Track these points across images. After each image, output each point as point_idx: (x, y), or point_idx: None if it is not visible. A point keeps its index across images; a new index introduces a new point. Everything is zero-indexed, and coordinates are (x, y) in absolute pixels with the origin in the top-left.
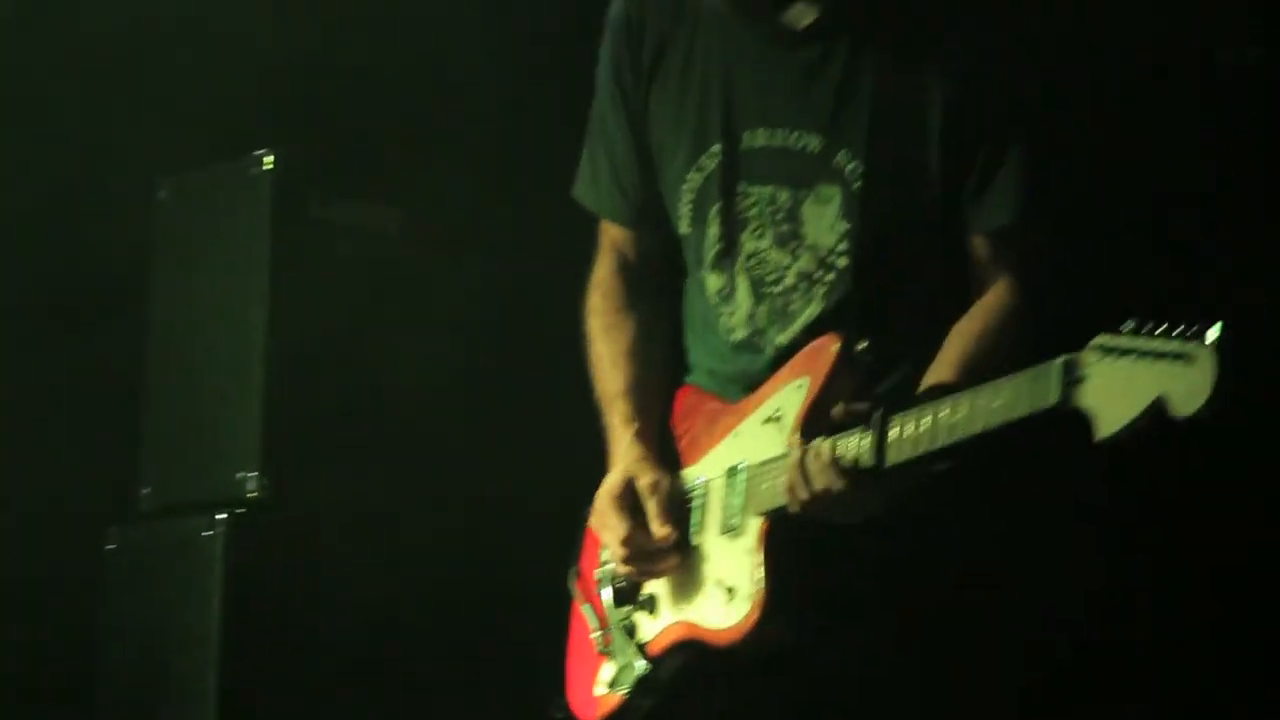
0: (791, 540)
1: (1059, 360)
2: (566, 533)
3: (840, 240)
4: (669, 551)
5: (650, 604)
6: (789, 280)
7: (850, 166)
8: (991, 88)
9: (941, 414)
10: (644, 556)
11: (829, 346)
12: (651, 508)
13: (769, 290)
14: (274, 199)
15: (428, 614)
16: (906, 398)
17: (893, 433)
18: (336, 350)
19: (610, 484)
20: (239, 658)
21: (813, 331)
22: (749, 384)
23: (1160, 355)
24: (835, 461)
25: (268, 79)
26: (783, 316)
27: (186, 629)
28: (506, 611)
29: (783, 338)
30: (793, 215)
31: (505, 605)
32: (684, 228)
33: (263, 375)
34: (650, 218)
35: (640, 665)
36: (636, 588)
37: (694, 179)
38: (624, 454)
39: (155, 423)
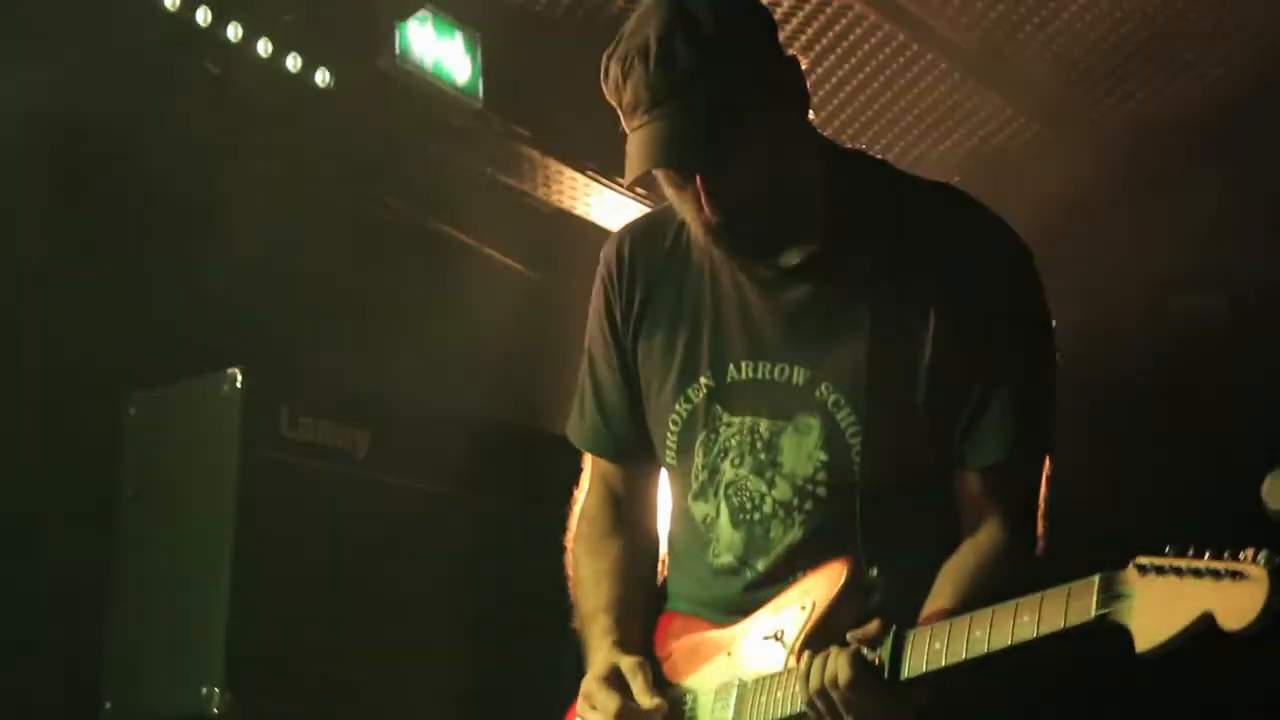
0: None
1: (1097, 577)
2: None
3: (819, 470)
4: None
5: None
6: (767, 508)
7: (833, 399)
8: (980, 331)
9: (962, 628)
10: None
11: (837, 570)
12: (638, 684)
13: (748, 517)
14: (243, 417)
15: None
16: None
17: (911, 646)
18: (302, 568)
19: (595, 670)
20: None
21: (792, 557)
22: (729, 608)
23: (1209, 572)
24: (855, 676)
25: (238, 297)
26: (763, 543)
27: None
28: None
29: (762, 564)
30: (771, 444)
31: None
32: (670, 459)
33: (228, 591)
34: (635, 453)
35: None
36: None
37: (681, 411)
38: (605, 653)
39: (119, 636)
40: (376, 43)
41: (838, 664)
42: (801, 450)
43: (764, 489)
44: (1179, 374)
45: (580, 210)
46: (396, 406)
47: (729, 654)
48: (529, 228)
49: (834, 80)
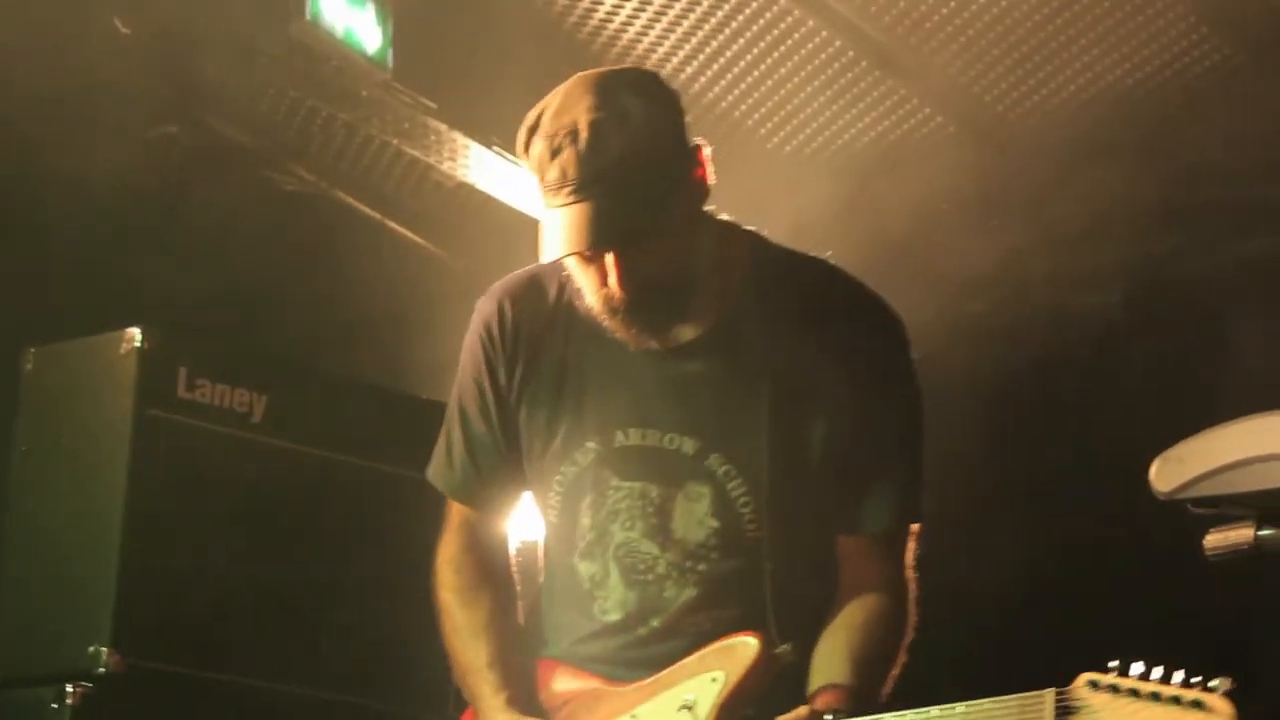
0: None
1: (1051, 691)
2: None
3: (710, 535)
4: None
5: None
6: (660, 569)
7: (724, 469)
8: (868, 405)
9: None
10: None
11: (747, 646)
12: None
13: (641, 578)
14: (139, 376)
15: None
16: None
17: None
18: (193, 529)
19: None
20: None
21: (685, 613)
22: (620, 662)
23: (1173, 699)
24: None
25: (142, 255)
26: (658, 601)
27: None
28: None
29: (657, 620)
30: (662, 510)
31: None
32: (553, 517)
33: (118, 550)
34: (503, 503)
35: None
36: None
37: (567, 472)
38: (500, 716)
39: (6, 591)
40: (288, 7)
41: None
42: (692, 517)
43: (656, 551)
44: (1075, 369)
45: (484, 185)
46: (295, 372)
47: (634, 716)
48: (432, 201)
49: (741, 64)
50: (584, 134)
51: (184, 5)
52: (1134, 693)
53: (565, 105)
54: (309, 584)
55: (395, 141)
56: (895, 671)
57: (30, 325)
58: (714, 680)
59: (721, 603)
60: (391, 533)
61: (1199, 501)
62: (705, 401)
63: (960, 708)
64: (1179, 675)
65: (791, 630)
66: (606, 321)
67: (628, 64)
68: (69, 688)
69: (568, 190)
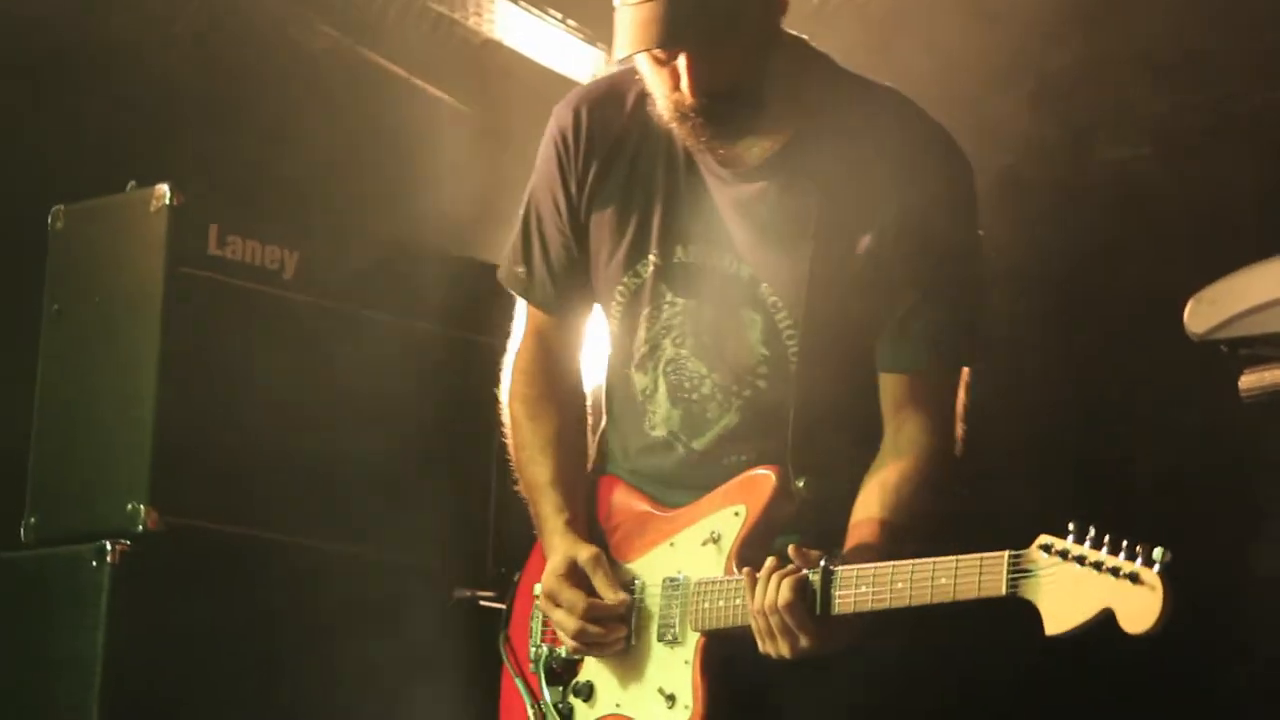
0: (728, 657)
1: (1005, 554)
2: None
3: (760, 363)
4: (621, 622)
5: (587, 691)
6: (705, 389)
7: (773, 300)
8: (920, 241)
9: (886, 577)
10: (597, 629)
11: (766, 479)
12: (600, 579)
13: (686, 396)
14: (170, 233)
15: (313, 649)
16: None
17: (838, 586)
18: (226, 386)
19: (555, 565)
20: (121, 687)
21: (726, 439)
22: (667, 480)
23: (1112, 570)
24: (793, 600)
25: (172, 113)
26: (700, 422)
27: (70, 658)
28: (395, 644)
29: (699, 443)
30: (715, 330)
31: (395, 637)
32: (614, 326)
33: (153, 408)
34: (575, 309)
35: None
36: (571, 671)
37: (629, 283)
38: (560, 541)
39: (44, 452)
40: None
41: (780, 587)
42: (744, 342)
43: (704, 370)
44: (1102, 218)
45: (510, 41)
46: (326, 229)
47: (672, 544)
48: (459, 57)
49: None
50: None
51: None
52: (1079, 560)
53: None
54: (341, 441)
55: None
56: (931, 509)
57: (59, 183)
58: (736, 514)
59: (761, 433)
60: (423, 389)
61: (1233, 342)
62: (760, 226)
63: (928, 563)
64: (1125, 546)
65: (810, 467)
66: (676, 127)
67: None
68: (109, 545)
69: None
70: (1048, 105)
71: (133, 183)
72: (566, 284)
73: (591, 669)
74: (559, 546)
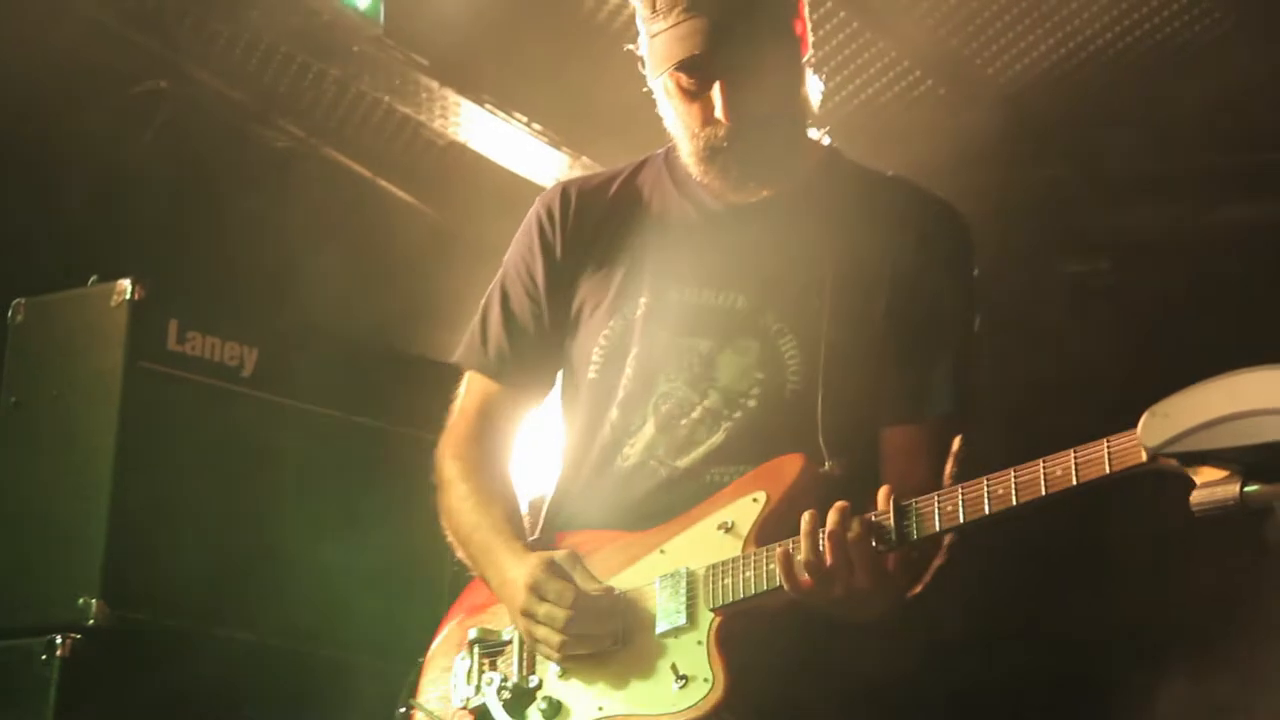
0: (744, 633)
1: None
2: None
3: (753, 386)
4: (611, 616)
5: (554, 708)
6: (695, 415)
7: (776, 327)
8: (940, 298)
9: (977, 489)
10: (591, 621)
11: (792, 462)
12: (581, 573)
13: (674, 423)
14: (130, 328)
15: None
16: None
17: (916, 512)
18: (182, 482)
19: (534, 566)
20: None
21: (710, 459)
22: (640, 511)
23: None
24: (866, 532)
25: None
26: (686, 443)
27: None
28: None
29: (682, 460)
30: (709, 361)
31: None
32: (593, 373)
33: (108, 502)
34: (525, 383)
35: None
36: (527, 698)
37: (615, 326)
38: (522, 556)
39: None
40: None
41: (846, 520)
42: (738, 367)
43: (696, 399)
44: (1063, 336)
45: (475, 144)
46: (285, 327)
47: (662, 551)
48: (423, 159)
49: None
50: None
51: None
52: None
53: None
54: (296, 539)
55: (386, 98)
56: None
57: (20, 278)
58: (755, 501)
59: (746, 456)
60: (378, 487)
61: (1185, 457)
62: (765, 259)
63: (1041, 461)
64: None
65: (840, 448)
66: (702, 172)
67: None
68: (58, 639)
69: (681, 8)
70: (1009, 219)
71: (94, 277)
72: (524, 355)
73: (556, 688)
74: (525, 561)
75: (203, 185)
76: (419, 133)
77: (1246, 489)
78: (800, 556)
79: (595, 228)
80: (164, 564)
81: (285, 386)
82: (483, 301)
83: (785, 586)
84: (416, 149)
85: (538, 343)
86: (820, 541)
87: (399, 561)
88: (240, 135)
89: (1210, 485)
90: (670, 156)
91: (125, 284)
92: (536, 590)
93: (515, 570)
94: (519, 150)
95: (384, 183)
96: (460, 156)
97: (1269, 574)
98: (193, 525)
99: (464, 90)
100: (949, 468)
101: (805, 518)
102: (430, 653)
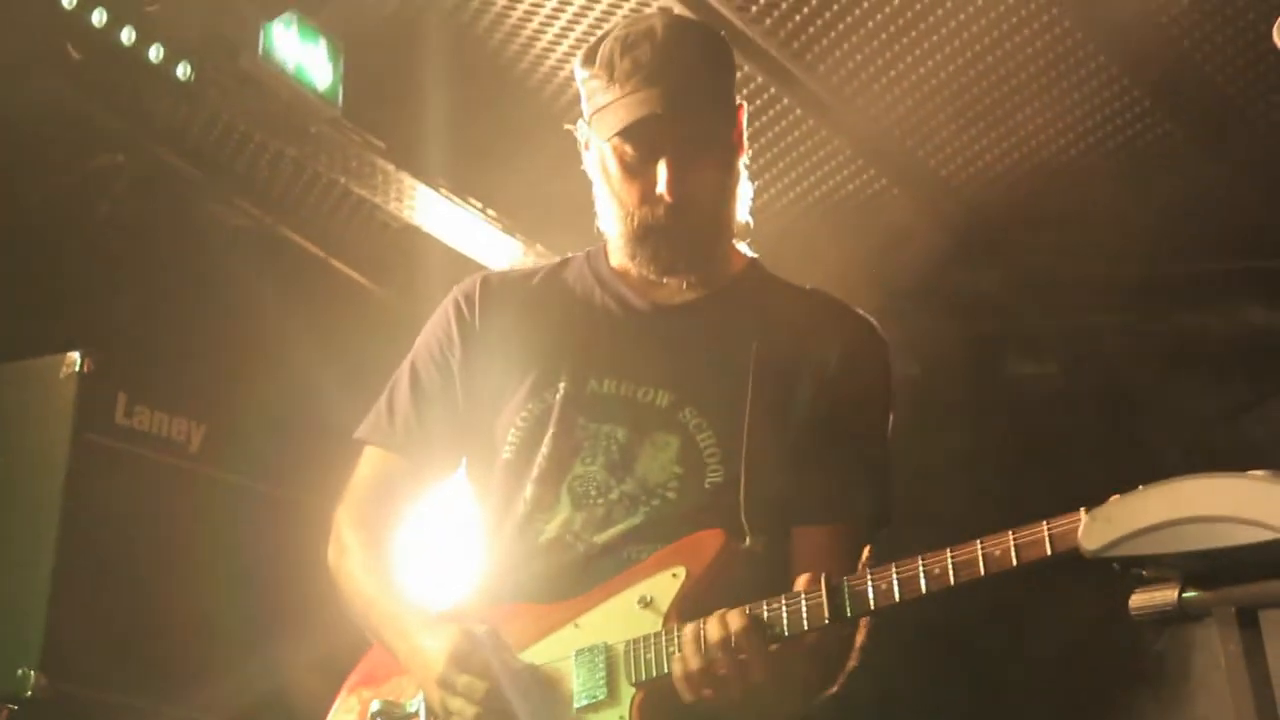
0: (664, 706)
1: (1083, 509)
2: None
3: (671, 479)
4: (530, 690)
5: None
6: (613, 496)
7: (695, 422)
8: (858, 407)
9: (913, 568)
10: (507, 696)
11: (712, 539)
12: (501, 648)
13: (592, 502)
14: (78, 400)
15: None
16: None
17: (848, 590)
18: (126, 556)
19: (451, 636)
20: None
21: (629, 538)
22: (554, 586)
23: None
24: (747, 626)
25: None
26: (603, 522)
27: None
28: None
29: (600, 537)
30: (627, 451)
31: None
32: (508, 454)
33: (50, 574)
34: (427, 458)
35: None
36: None
37: (533, 408)
38: (435, 625)
39: None
40: (240, 41)
41: (731, 620)
42: (657, 461)
43: (613, 483)
44: (1010, 439)
45: (430, 227)
46: (233, 403)
47: (576, 625)
48: (378, 241)
49: None
50: (661, 34)
51: (136, 34)
52: None
53: (634, 24)
54: (241, 616)
55: (343, 180)
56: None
57: None
58: (674, 576)
59: (664, 537)
60: (322, 567)
61: (1125, 561)
62: (688, 358)
63: (971, 544)
64: None
65: (763, 527)
66: (630, 255)
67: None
68: None
69: (640, 77)
70: (957, 320)
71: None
72: (429, 430)
73: None
74: (439, 631)
75: (156, 259)
76: (374, 214)
77: (1185, 594)
78: (692, 668)
79: (514, 315)
80: (104, 637)
81: (232, 463)
82: (390, 382)
83: (686, 698)
84: (371, 230)
85: (446, 419)
86: (703, 649)
87: (342, 645)
88: (196, 211)
89: (1149, 590)
90: (594, 257)
91: (75, 356)
92: (458, 662)
93: (430, 640)
94: (473, 235)
95: (337, 263)
96: (414, 239)
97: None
98: (134, 599)
99: (419, 174)
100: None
101: (687, 631)
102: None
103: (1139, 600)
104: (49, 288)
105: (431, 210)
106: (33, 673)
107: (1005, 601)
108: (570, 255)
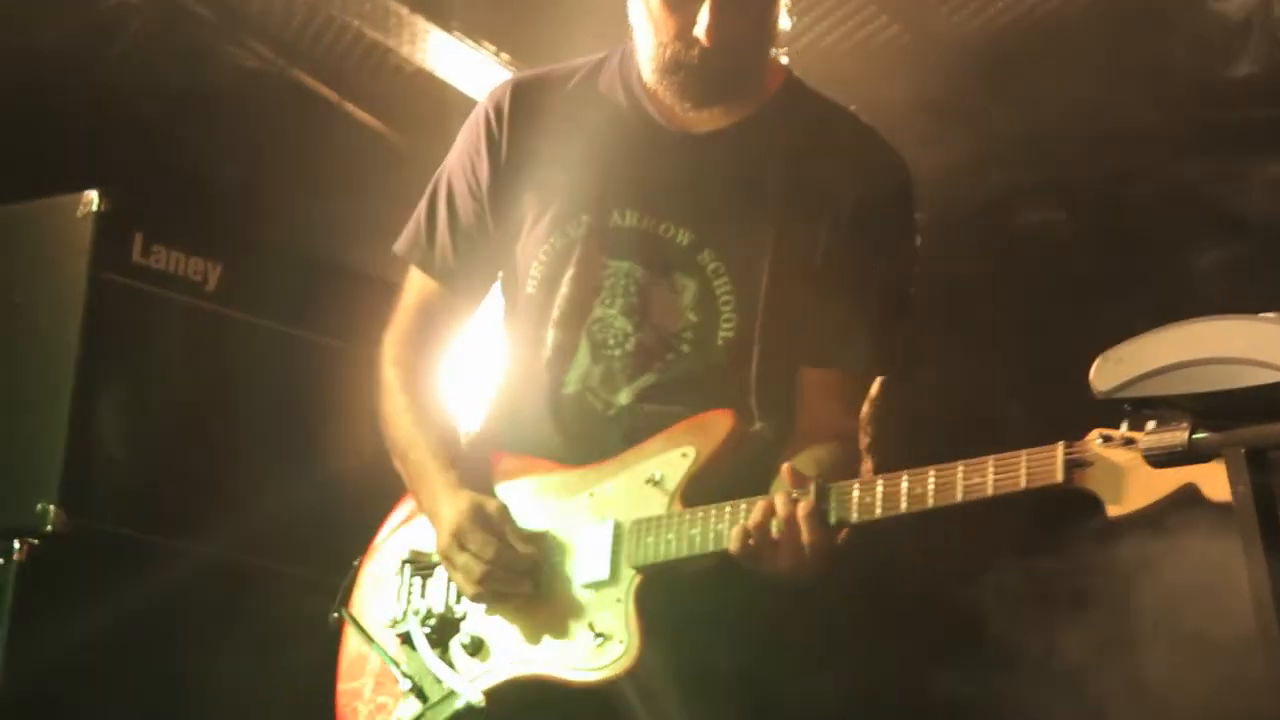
0: (663, 594)
1: (1061, 444)
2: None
3: (686, 329)
4: (528, 575)
5: (475, 646)
6: (630, 347)
7: (713, 266)
8: (872, 246)
9: (896, 484)
10: (506, 578)
11: (722, 421)
12: (511, 530)
13: (608, 353)
14: (95, 239)
15: (212, 657)
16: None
17: (835, 497)
18: (143, 393)
19: (462, 509)
20: (20, 685)
21: (646, 397)
22: (576, 444)
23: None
24: (815, 511)
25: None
26: (619, 377)
27: None
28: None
29: (618, 397)
30: (645, 292)
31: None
32: (531, 289)
33: (68, 411)
34: (468, 284)
35: (467, 701)
36: (452, 629)
37: (555, 243)
38: (454, 494)
39: None
40: None
41: (797, 499)
42: (673, 306)
43: (629, 329)
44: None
45: (443, 72)
46: (250, 243)
47: (591, 495)
48: (390, 85)
49: None
50: None
51: None
52: (1132, 442)
53: None
54: (255, 453)
55: (356, 23)
56: None
57: None
58: (684, 455)
59: (677, 399)
60: (338, 406)
61: (1136, 402)
62: (712, 195)
63: (961, 466)
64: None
65: (771, 409)
66: (658, 81)
67: None
68: (16, 544)
69: None
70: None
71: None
72: (468, 255)
73: (480, 623)
74: (457, 499)
75: (170, 101)
76: (387, 58)
77: (1195, 436)
78: (753, 539)
79: (544, 131)
80: (123, 473)
81: (249, 303)
82: (427, 193)
83: (734, 551)
84: (385, 75)
85: (480, 247)
86: (774, 525)
87: (355, 480)
88: (209, 53)
89: (1160, 431)
90: (625, 62)
91: (92, 195)
92: (459, 538)
93: (445, 506)
94: (487, 80)
95: (350, 106)
96: (428, 84)
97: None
98: (152, 436)
99: (433, 17)
100: (865, 410)
101: (758, 508)
102: (365, 562)
103: (1149, 442)
104: (64, 128)
105: (445, 54)
106: (51, 507)
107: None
108: (607, 54)
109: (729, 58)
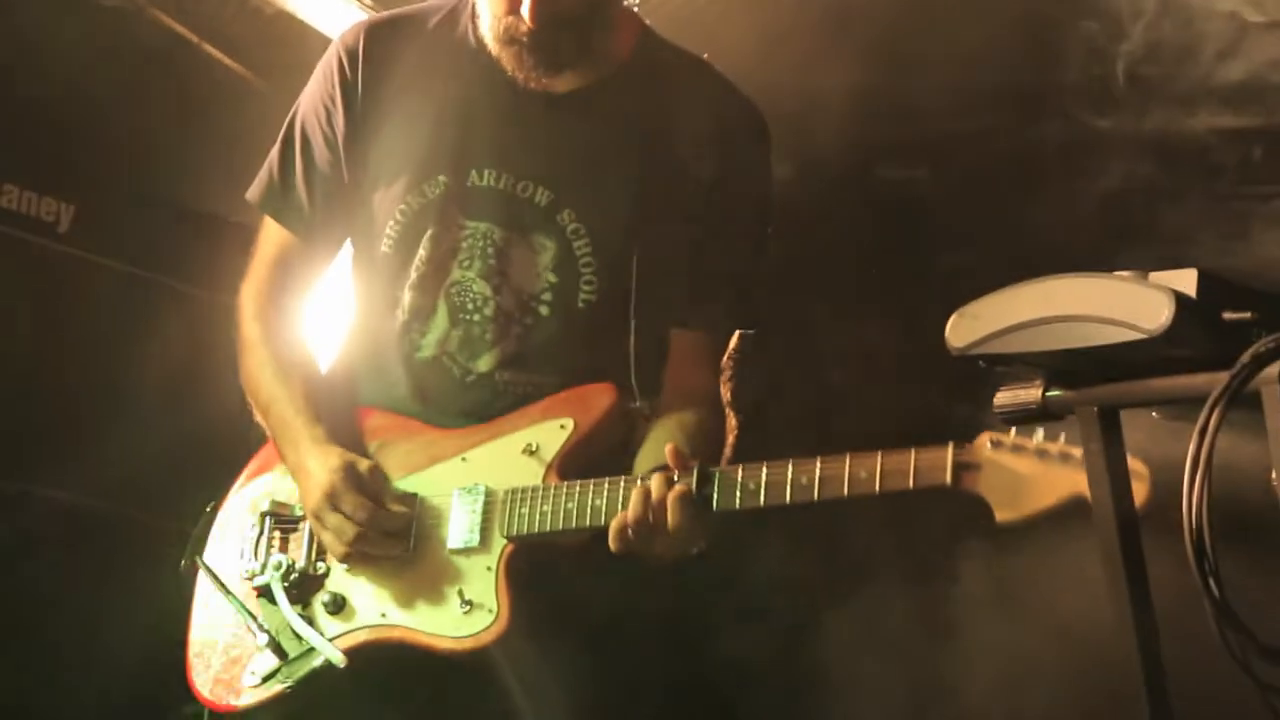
0: (533, 565)
1: (950, 445)
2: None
3: (545, 290)
4: (401, 538)
5: (337, 604)
6: (488, 311)
7: (573, 227)
8: (735, 204)
9: (782, 472)
10: (379, 541)
11: (603, 395)
12: (386, 492)
13: (467, 318)
14: None
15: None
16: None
17: (720, 481)
18: None
19: (334, 470)
20: None
21: (503, 364)
22: (433, 403)
23: (1074, 459)
24: (690, 496)
25: None
26: (479, 344)
27: None
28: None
29: (475, 364)
30: (503, 254)
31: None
32: (386, 248)
33: None
34: (324, 236)
35: (327, 659)
36: (313, 585)
37: (411, 203)
38: (323, 451)
39: None
40: None
41: (669, 482)
42: (531, 267)
43: (488, 293)
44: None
45: (304, 14)
46: (103, 184)
47: (464, 459)
48: (250, 27)
49: None
50: None
51: None
52: (1040, 453)
53: None
54: (104, 397)
55: None
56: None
57: None
58: (562, 427)
59: (536, 367)
60: (188, 350)
61: (991, 359)
62: (572, 156)
63: (849, 458)
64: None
65: (649, 388)
66: (499, 50)
67: None
68: None
69: None
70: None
71: None
72: (324, 207)
73: (342, 581)
74: (328, 457)
75: (26, 40)
76: (246, 2)
77: (1048, 393)
78: (631, 532)
79: (400, 78)
80: None
81: (101, 244)
82: (280, 139)
83: (614, 547)
84: (244, 16)
85: (336, 197)
86: (651, 508)
87: (208, 423)
88: None
89: (1013, 388)
90: (481, 12)
91: None
92: (332, 499)
93: (314, 463)
94: (347, 22)
95: (210, 48)
96: (289, 26)
97: None
98: (2, 380)
99: None
100: (724, 362)
101: (635, 498)
102: (221, 508)
103: (1003, 398)
104: None
105: None
106: None
107: None
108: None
109: (558, 32)
